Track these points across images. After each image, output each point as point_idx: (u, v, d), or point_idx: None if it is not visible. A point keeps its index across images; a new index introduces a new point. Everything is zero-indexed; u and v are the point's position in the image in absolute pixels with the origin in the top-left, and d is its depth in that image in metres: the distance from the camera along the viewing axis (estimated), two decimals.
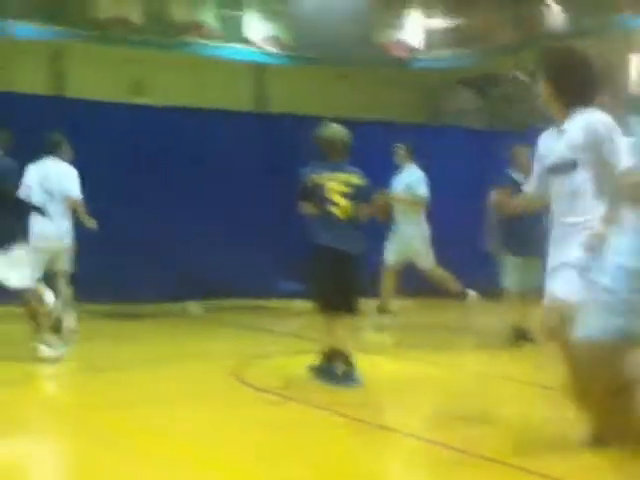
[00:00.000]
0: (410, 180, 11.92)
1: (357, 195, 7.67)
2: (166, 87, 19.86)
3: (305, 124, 14.50)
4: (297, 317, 13.73)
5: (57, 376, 8.51)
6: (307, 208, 7.72)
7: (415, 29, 24.42)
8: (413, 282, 12.30)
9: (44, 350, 8.64)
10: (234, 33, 21.78)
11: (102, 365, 8.67)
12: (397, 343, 10.94)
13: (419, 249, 11.86)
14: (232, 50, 21.61)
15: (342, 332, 7.63)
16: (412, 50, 24.01)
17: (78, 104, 13.64)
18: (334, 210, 7.59)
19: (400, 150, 12.12)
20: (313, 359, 7.77)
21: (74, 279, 10.69)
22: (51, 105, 13.44)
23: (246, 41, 21.78)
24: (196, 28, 21.27)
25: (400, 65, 23.68)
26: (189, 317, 12.94)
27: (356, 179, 7.74)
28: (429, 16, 25.11)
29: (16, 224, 8.74)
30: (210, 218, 12.96)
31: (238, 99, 19.60)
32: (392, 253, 11.92)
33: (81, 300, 10.89)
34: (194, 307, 13.23)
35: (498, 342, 9.75)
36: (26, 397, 7.32)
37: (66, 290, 10.48)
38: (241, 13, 21.73)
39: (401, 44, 23.83)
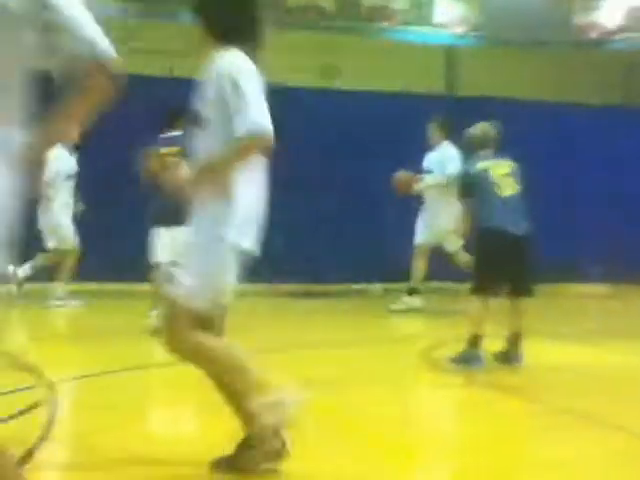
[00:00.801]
0: (442, 158, 11.47)
1: (516, 175, 7.99)
2: (358, 72, 19.92)
3: (498, 106, 14.61)
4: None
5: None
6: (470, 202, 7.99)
7: (613, 10, 23.65)
8: None
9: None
10: (425, 16, 21.61)
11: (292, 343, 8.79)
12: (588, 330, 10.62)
13: (444, 230, 11.28)
14: (423, 34, 21.47)
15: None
16: (610, 31, 23.26)
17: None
18: (500, 192, 7.76)
19: (433, 126, 11.59)
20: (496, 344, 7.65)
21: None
22: None
23: (437, 24, 21.58)
24: (387, 13, 21.20)
25: (596, 46, 22.97)
26: (372, 297, 13.08)
27: (511, 164, 8.10)
28: None
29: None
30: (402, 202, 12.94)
31: (429, 82, 19.47)
32: (421, 234, 11.57)
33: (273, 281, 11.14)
34: (376, 288, 13.38)
35: None
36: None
37: None
38: None
39: (598, 25, 23.12)
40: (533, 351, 8.78)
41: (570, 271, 14.19)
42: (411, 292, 11.55)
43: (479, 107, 14.32)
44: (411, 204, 11.67)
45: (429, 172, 11.39)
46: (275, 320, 10.82)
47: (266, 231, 4.27)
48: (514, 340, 7.84)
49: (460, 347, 7.64)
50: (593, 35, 22.93)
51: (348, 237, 13.16)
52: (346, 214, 13.29)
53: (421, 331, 10.45)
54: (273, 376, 7.11)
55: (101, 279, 12.89)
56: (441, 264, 11.67)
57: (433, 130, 11.53)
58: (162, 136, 9.42)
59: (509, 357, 7.81)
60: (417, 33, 21.35)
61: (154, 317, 9.44)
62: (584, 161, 14.53)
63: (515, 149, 14.17)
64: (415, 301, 11.50)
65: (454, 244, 11.25)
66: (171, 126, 9.57)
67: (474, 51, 21.85)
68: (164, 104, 9.88)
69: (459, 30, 21.52)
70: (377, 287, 13.50)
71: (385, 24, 21.15)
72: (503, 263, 7.59)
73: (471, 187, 7.97)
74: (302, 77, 17.18)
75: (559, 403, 6.27)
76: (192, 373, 4.38)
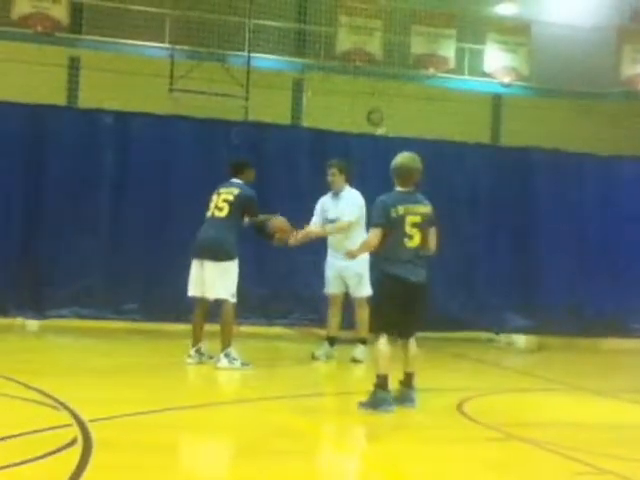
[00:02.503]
0: (345, 204, 10.68)
1: (426, 223, 7.82)
2: (402, 118, 19.99)
3: (539, 158, 14.61)
4: (524, 353, 13.64)
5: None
6: (382, 237, 7.75)
7: None
8: None
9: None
10: (472, 65, 21.69)
11: None
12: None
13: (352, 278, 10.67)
14: (470, 82, 21.53)
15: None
16: None
17: (313, 134, 13.99)
18: (408, 242, 7.71)
19: (333, 170, 10.73)
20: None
21: None
22: (292, 135, 13.96)
23: (483, 73, 21.63)
24: (435, 60, 21.30)
25: None
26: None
27: (426, 208, 7.89)
28: None
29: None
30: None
31: (474, 131, 19.49)
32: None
33: None
34: None
35: None
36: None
37: None
38: (481, 46, 21.60)
39: None
40: (571, 406, 8.72)
41: (610, 325, 14.08)
42: (331, 341, 10.88)
43: (522, 158, 14.36)
44: None
45: (333, 220, 10.83)
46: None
47: None
48: (407, 382, 7.90)
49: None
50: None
51: None
52: None
53: (456, 381, 10.32)
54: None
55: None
56: None
57: (334, 174, 10.73)
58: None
59: (403, 398, 7.82)
60: (464, 81, 21.42)
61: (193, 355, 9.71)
62: (629, 212, 14.43)
63: (555, 200, 14.34)
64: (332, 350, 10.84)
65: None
66: (235, 175, 10.07)
67: (520, 101, 21.92)
68: None
69: (505, 80, 21.59)
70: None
71: (433, 71, 21.27)
72: (403, 308, 7.71)
73: (387, 226, 7.75)
74: (348, 122, 17.30)
75: (597, 462, 6.17)
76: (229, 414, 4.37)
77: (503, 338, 14.09)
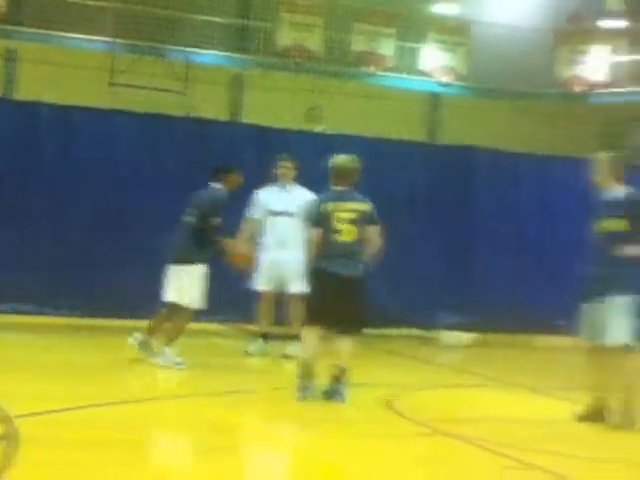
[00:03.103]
0: (295, 199, 10.74)
1: (362, 220, 8.04)
2: (341, 115, 20.08)
3: (476, 156, 14.76)
4: (459, 350, 13.78)
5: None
6: (315, 234, 8.07)
7: (598, 64, 23.89)
8: None
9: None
10: (411, 64, 21.82)
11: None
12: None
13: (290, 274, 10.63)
14: (408, 81, 21.66)
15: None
16: (594, 85, 23.49)
17: (254, 130, 13.98)
18: (338, 237, 7.95)
19: (287, 164, 10.90)
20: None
21: None
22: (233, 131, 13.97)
23: (422, 72, 21.78)
24: (375, 58, 21.39)
25: (580, 100, 23.19)
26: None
27: (362, 206, 8.11)
28: (613, 51, 24.53)
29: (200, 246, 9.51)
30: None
31: (412, 129, 19.64)
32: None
33: None
34: None
35: None
36: None
37: None
38: (420, 45, 21.74)
39: (583, 79, 23.35)
40: (501, 401, 8.85)
41: (542, 322, 14.25)
42: (265, 337, 10.90)
43: (459, 156, 14.48)
44: None
45: (280, 212, 10.83)
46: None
47: None
48: (338, 377, 7.99)
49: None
50: (577, 89, 23.19)
51: None
52: None
53: (387, 377, 10.39)
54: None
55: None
56: None
57: (288, 168, 10.90)
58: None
59: (333, 393, 7.95)
60: (402, 80, 21.53)
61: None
62: (564, 211, 14.62)
63: (492, 198, 14.49)
64: (266, 346, 10.87)
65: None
66: (213, 179, 9.92)
67: (457, 101, 22.09)
68: None
69: (443, 79, 21.75)
70: None
71: (371, 69, 21.37)
72: (333, 302, 7.89)
73: (317, 223, 8.12)
74: (288, 118, 17.36)
75: (524, 457, 6.27)
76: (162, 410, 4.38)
77: (437, 335, 14.20)
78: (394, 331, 13.57)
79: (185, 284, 9.50)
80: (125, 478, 5.16)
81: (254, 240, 10.82)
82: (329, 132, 15.98)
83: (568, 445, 6.88)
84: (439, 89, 22.19)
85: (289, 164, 10.83)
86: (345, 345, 8.04)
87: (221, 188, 9.81)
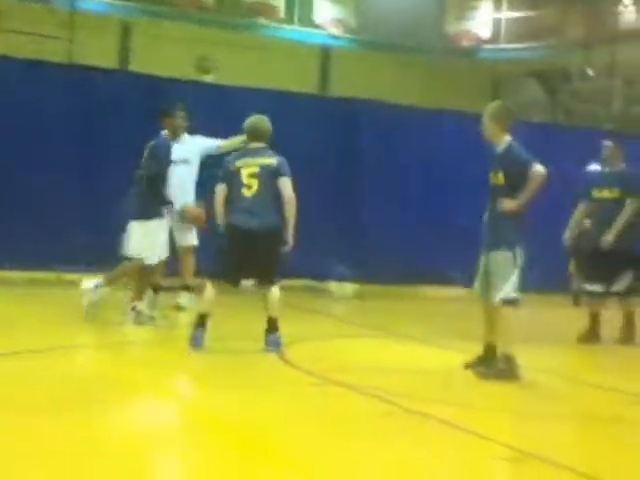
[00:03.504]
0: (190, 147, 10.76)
1: (266, 174, 8.26)
2: (232, 66, 19.91)
3: (366, 109, 14.81)
4: (348, 301, 13.92)
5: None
6: (219, 190, 8.36)
7: (485, 20, 24.19)
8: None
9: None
10: (303, 16, 21.76)
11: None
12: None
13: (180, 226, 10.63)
14: (299, 33, 21.60)
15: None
16: (481, 41, 23.78)
17: (145, 79, 13.75)
18: (245, 192, 8.21)
19: (184, 114, 10.61)
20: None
21: None
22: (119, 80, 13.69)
23: (314, 25, 21.75)
24: (265, 9, 21.26)
25: (468, 55, 23.48)
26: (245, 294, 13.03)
27: (267, 160, 8.34)
28: (500, 8, 24.88)
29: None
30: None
31: (302, 81, 19.60)
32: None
33: None
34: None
35: None
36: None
37: None
38: None
39: (471, 34, 23.61)
40: (391, 351, 8.98)
41: (431, 274, 14.47)
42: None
43: (347, 109, 14.50)
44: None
45: (177, 161, 10.79)
46: None
47: None
48: (269, 327, 8.25)
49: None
50: (465, 44, 23.47)
51: None
52: None
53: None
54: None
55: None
56: None
57: (184, 118, 10.59)
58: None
59: (268, 343, 8.19)
60: (294, 32, 21.48)
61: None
62: (452, 166, 14.78)
63: (381, 151, 14.59)
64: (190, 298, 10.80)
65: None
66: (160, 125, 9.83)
67: (348, 53, 22.13)
68: None
69: (334, 31, 21.76)
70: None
71: (263, 21, 21.24)
72: (238, 255, 8.17)
73: (223, 179, 8.39)
74: (177, 69, 17.11)
75: (408, 404, 6.39)
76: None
77: (328, 287, 14.31)
78: (285, 282, 13.59)
79: (143, 239, 9.41)
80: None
81: None
82: (218, 83, 15.83)
83: (455, 393, 7.04)
84: (330, 41, 22.20)
85: (183, 113, 10.67)
86: (270, 296, 8.25)
87: (165, 134, 9.68)
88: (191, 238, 10.36)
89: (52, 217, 12.14)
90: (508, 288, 7.60)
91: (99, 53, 18.77)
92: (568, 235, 10.56)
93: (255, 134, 8.49)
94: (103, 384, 6.53)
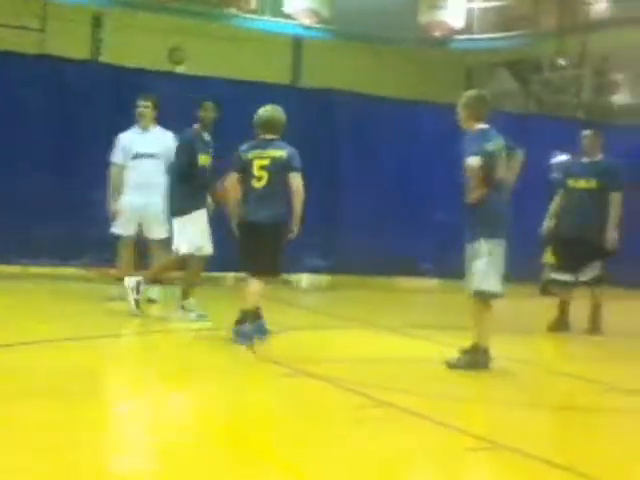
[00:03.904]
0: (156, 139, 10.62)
1: (276, 166, 8.35)
2: (204, 57, 19.85)
3: (339, 100, 14.79)
4: (320, 292, 13.92)
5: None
6: (230, 179, 8.49)
7: (457, 10, 24.21)
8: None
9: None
10: (275, 6, 21.71)
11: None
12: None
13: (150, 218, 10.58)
14: (271, 23, 21.55)
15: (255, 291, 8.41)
16: (453, 31, 23.81)
17: (116, 70, 13.65)
18: (255, 183, 8.33)
19: (148, 103, 10.61)
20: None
21: None
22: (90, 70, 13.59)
23: (286, 15, 21.70)
24: (238, 0, 21.21)
25: (441, 45, 23.50)
26: (223, 287, 13.03)
27: (277, 152, 8.41)
28: None
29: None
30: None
31: (274, 71, 19.58)
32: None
33: None
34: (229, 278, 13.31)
35: None
36: None
37: None
38: None
39: (444, 24, 23.63)
40: (362, 342, 9.00)
41: (405, 265, 14.50)
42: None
43: (321, 99, 14.47)
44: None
45: (144, 154, 10.69)
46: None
47: None
48: (239, 319, 8.33)
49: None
50: (438, 34, 23.48)
51: None
52: None
53: None
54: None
55: None
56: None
57: (149, 108, 10.58)
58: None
59: (236, 335, 8.26)
60: (265, 22, 21.43)
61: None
62: (425, 157, 14.76)
63: (355, 142, 14.57)
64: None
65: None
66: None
67: (320, 43, 22.09)
68: None
69: (307, 22, 21.71)
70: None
71: (235, 11, 21.17)
72: (246, 246, 8.40)
73: (237, 169, 8.46)
74: (148, 59, 17.02)
75: (380, 395, 6.42)
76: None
77: (299, 278, 14.31)
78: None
79: (184, 234, 9.40)
80: None
81: (118, 184, 10.56)
82: (190, 73, 15.77)
83: (427, 384, 7.07)
84: (302, 32, 22.16)
85: (150, 103, 10.63)
86: (251, 287, 8.39)
87: (196, 126, 9.56)
88: (162, 230, 10.34)
89: (19, 209, 12.06)
90: (477, 279, 7.62)
91: (71, 44, 18.66)
92: (546, 225, 10.65)
93: (268, 126, 8.50)
94: (75, 377, 6.51)
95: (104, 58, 19.95)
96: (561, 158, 14.13)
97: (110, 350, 8.01)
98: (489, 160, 7.59)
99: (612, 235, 10.07)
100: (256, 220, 8.29)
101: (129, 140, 10.61)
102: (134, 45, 19.54)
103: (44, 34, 19.22)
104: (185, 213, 9.40)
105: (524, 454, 5.08)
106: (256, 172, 8.32)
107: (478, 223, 7.64)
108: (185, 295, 9.52)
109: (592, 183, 10.27)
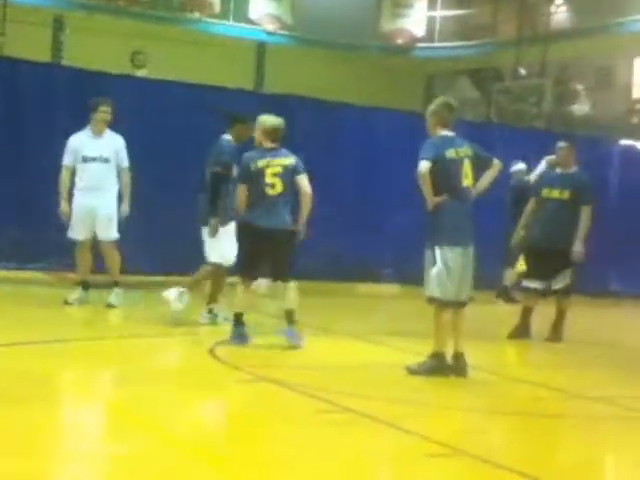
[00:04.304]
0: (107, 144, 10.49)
1: (287, 173, 8.60)
2: (166, 61, 19.77)
3: (299, 105, 14.77)
4: (278, 299, 13.86)
5: None
6: (241, 190, 8.62)
7: (420, 18, 24.33)
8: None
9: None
10: (238, 12, 21.69)
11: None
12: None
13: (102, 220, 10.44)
14: (234, 28, 21.53)
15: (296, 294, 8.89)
16: (415, 39, 23.91)
17: (76, 74, 13.54)
18: (269, 190, 8.51)
19: (109, 109, 10.49)
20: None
21: None
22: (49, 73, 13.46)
23: (249, 20, 21.70)
24: (200, 4, 21.16)
25: (403, 53, 23.59)
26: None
27: (287, 160, 8.66)
28: (435, 6, 25.03)
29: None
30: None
31: (237, 77, 19.53)
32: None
33: None
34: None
35: None
36: None
37: None
38: None
39: (406, 32, 23.73)
40: (323, 348, 8.99)
41: (365, 271, 14.51)
42: (85, 286, 10.55)
43: (283, 105, 14.44)
44: None
45: (94, 158, 10.56)
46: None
47: None
48: (288, 319, 8.72)
49: None
50: (400, 42, 23.57)
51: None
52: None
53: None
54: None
55: None
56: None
57: (109, 113, 10.47)
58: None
59: (286, 335, 8.63)
60: (228, 27, 21.40)
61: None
62: (385, 164, 14.83)
63: (318, 149, 14.56)
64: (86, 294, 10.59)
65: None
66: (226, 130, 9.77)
67: (282, 49, 22.09)
68: None
69: (269, 27, 21.70)
70: None
71: (197, 15, 21.12)
72: (260, 253, 8.60)
73: (245, 180, 8.61)
74: (109, 62, 16.92)
75: (342, 401, 6.41)
76: None
77: (257, 283, 14.20)
78: None
79: (211, 243, 9.50)
80: None
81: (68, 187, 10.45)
82: (151, 77, 15.68)
83: (387, 390, 7.08)
84: (265, 37, 22.16)
85: (110, 109, 10.58)
86: (288, 290, 8.81)
87: (229, 139, 9.57)
88: (112, 232, 10.34)
89: None
90: (430, 286, 7.66)
91: (32, 47, 18.48)
92: (517, 233, 10.78)
93: (277, 134, 8.69)
94: (30, 381, 6.43)
95: (65, 61, 19.81)
96: (520, 166, 14.26)
97: (64, 354, 7.92)
98: (444, 166, 7.62)
99: (579, 248, 10.17)
100: (271, 226, 8.47)
101: (80, 143, 10.50)
102: (96, 48, 19.41)
103: (4, 37, 19.05)
104: (204, 224, 9.51)
105: (484, 460, 5.10)
106: (268, 180, 8.51)
107: (434, 231, 7.69)
108: (212, 299, 9.81)
109: (565, 194, 10.39)
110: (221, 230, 9.40)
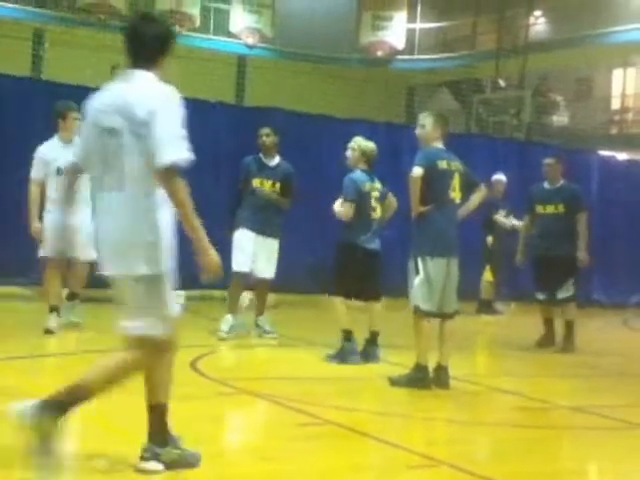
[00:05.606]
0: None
1: (381, 197, 9.03)
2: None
3: (280, 118, 14.77)
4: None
5: None
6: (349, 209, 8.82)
7: (399, 31, 24.41)
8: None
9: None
10: (218, 25, 21.71)
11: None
12: None
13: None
14: (215, 42, 21.54)
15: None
16: (395, 51, 23.98)
17: (56, 88, 13.51)
18: (373, 214, 8.91)
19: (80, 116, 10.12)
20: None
21: None
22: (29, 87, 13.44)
23: (230, 34, 21.72)
24: (180, 17, 21.17)
25: (382, 65, 23.65)
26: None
27: (380, 184, 9.06)
28: (413, 19, 25.13)
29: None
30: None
31: (218, 90, 19.54)
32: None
33: None
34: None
35: None
36: None
37: None
38: (227, 6, 21.66)
39: (385, 44, 23.79)
40: (306, 361, 8.99)
41: None
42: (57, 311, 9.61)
43: (263, 118, 14.44)
44: None
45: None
46: None
47: None
48: (372, 339, 8.92)
49: None
50: (379, 54, 23.64)
51: None
52: None
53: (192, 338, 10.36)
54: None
55: None
56: None
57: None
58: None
59: (368, 355, 8.81)
60: (209, 41, 21.41)
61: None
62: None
63: (300, 162, 14.57)
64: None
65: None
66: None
67: (263, 62, 22.11)
68: None
69: (250, 41, 21.73)
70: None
71: (177, 29, 21.10)
72: (364, 274, 8.85)
73: (355, 200, 8.83)
74: (89, 76, 16.90)
75: (323, 413, 6.40)
76: None
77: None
78: (196, 292, 13.46)
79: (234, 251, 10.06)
80: None
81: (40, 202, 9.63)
82: None
83: (368, 401, 7.13)
84: (246, 51, 22.18)
85: (79, 115, 10.18)
86: (376, 310, 9.05)
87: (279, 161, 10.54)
88: (89, 251, 9.77)
89: None
90: (413, 296, 7.68)
91: (11, 60, 18.46)
92: (520, 252, 11.21)
93: (373, 158, 9.10)
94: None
95: (45, 75, 19.78)
96: (500, 177, 14.32)
97: (36, 369, 7.87)
98: (435, 176, 7.66)
99: (584, 254, 10.59)
100: (376, 249, 8.91)
101: (52, 154, 9.59)
102: (76, 62, 19.36)
103: None
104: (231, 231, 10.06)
105: (466, 472, 5.11)
106: (373, 204, 8.88)
107: (417, 241, 7.73)
108: (259, 312, 10.44)
109: (560, 208, 10.81)
110: (233, 238, 10.02)
